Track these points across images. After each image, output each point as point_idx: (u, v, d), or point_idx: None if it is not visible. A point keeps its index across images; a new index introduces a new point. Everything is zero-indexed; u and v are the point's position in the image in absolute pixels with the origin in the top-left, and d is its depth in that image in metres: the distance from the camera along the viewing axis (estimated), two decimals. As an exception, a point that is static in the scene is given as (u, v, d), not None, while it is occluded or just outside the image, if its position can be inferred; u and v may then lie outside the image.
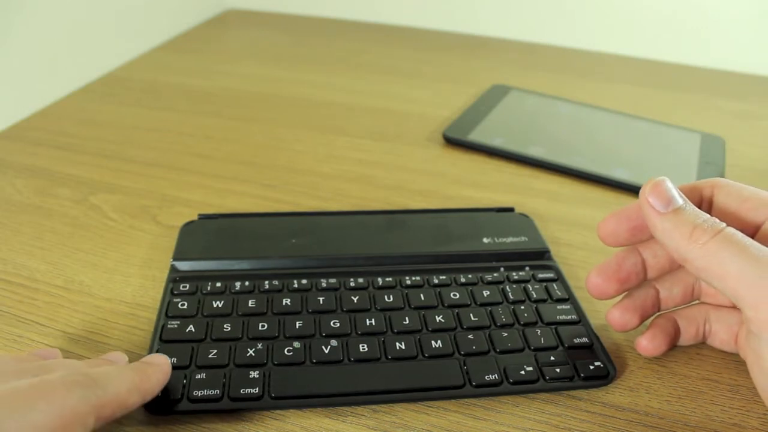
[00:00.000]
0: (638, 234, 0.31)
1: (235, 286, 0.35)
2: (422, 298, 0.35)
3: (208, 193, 0.46)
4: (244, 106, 0.60)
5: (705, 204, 0.31)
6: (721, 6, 0.74)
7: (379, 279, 0.36)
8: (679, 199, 0.27)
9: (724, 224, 0.26)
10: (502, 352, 0.32)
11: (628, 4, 0.78)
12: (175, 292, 0.34)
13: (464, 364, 0.31)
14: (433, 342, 0.32)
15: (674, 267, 0.32)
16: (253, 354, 0.31)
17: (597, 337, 0.33)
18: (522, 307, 0.35)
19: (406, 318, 0.33)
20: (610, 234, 0.31)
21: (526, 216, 0.42)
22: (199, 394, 0.28)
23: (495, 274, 0.37)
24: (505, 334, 0.33)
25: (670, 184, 0.28)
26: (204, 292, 0.34)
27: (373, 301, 0.34)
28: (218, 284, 0.35)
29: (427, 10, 0.86)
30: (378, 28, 0.86)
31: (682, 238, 0.26)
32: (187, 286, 0.35)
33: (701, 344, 0.34)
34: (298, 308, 0.34)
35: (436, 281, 0.36)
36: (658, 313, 0.33)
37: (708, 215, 0.26)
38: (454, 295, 0.35)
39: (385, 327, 0.33)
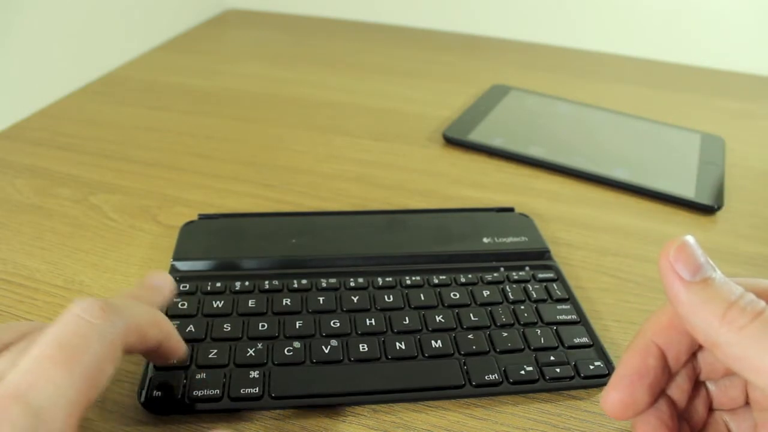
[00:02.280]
0: (659, 385, 0.23)
1: (235, 286, 0.35)
2: (422, 298, 0.35)
3: (208, 193, 0.46)
4: (244, 106, 0.60)
5: None
6: (721, 6, 0.74)
7: (379, 279, 0.36)
8: (710, 267, 0.22)
9: (763, 303, 0.21)
10: (502, 352, 0.32)
11: (628, 4, 0.78)
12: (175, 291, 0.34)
13: (464, 364, 0.31)
14: (433, 342, 0.32)
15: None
16: (253, 354, 0.31)
17: (597, 337, 0.33)
18: (522, 307, 0.35)
19: (406, 318, 0.33)
20: (623, 408, 0.23)
21: (526, 216, 0.42)
22: (199, 394, 0.28)
23: (495, 274, 0.37)
24: (505, 334, 0.33)
25: (697, 247, 0.22)
26: (204, 292, 0.34)
27: (373, 301, 0.34)
28: (218, 284, 0.35)
29: (427, 10, 0.86)
30: (378, 28, 0.86)
31: (713, 317, 0.20)
32: (187, 286, 0.35)
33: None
34: (298, 308, 0.34)
35: (436, 281, 0.36)
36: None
37: (743, 289, 0.21)
38: (454, 295, 0.35)
39: (385, 327, 0.33)
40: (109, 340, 0.21)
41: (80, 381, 0.20)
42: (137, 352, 0.25)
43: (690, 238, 0.22)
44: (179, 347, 0.27)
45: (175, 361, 0.28)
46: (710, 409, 0.25)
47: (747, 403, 0.24)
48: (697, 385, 0.25)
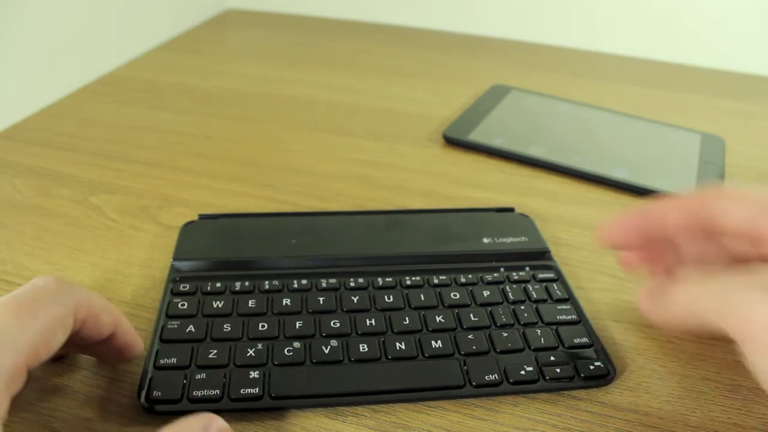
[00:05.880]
0: (648, 239, 0.28)
1: (235, 286, 0.35)
2: (422, 298, 0.35)
3: (208, 193, 0.46)
4: (244, 106, 0.60)
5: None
6: (721, 6, 0.74)
7: (379, 279, 0.36)
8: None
9: None
10: (503, 352, 0.32)
11: (628, 4, 0.78)
12: (175, 292, 0.34)
13: (464, 364, 0.31)
14: (433, 342, 0.32)
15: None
16: (253, 354, 0.31)
17: (597, 337, 0.33)
18: (522, 307, 0.35)
19: (406, 318, 0.33)
20: (613, 236, 0.29)
21: (526, 216, 0.42)
22: (199, 394, 0.28)
23: (495, 274, 0.37)
24: (506, 334, 0.33)
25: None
26: (204, 292, 0.34)
27: (373, 301, 0.34)
28: (218, 284, 0.35)
29: (428, 10, 0.86)
30: (378, 28, 0.86)
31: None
32: (187, 286, 0.35)
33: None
34: (298, 308, 0.34)
35: (436, 281, 0.36)
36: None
37: None
38: (454, 295, 0.35)
39: (385, 327, 0.33)
40: (62, 305, 0.24)
41: (31, 332, 0.22)
42: (93, 339, 0.26)
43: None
44: (135, 340, 0.28)
45: (131, 358, 0.29)
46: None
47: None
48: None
